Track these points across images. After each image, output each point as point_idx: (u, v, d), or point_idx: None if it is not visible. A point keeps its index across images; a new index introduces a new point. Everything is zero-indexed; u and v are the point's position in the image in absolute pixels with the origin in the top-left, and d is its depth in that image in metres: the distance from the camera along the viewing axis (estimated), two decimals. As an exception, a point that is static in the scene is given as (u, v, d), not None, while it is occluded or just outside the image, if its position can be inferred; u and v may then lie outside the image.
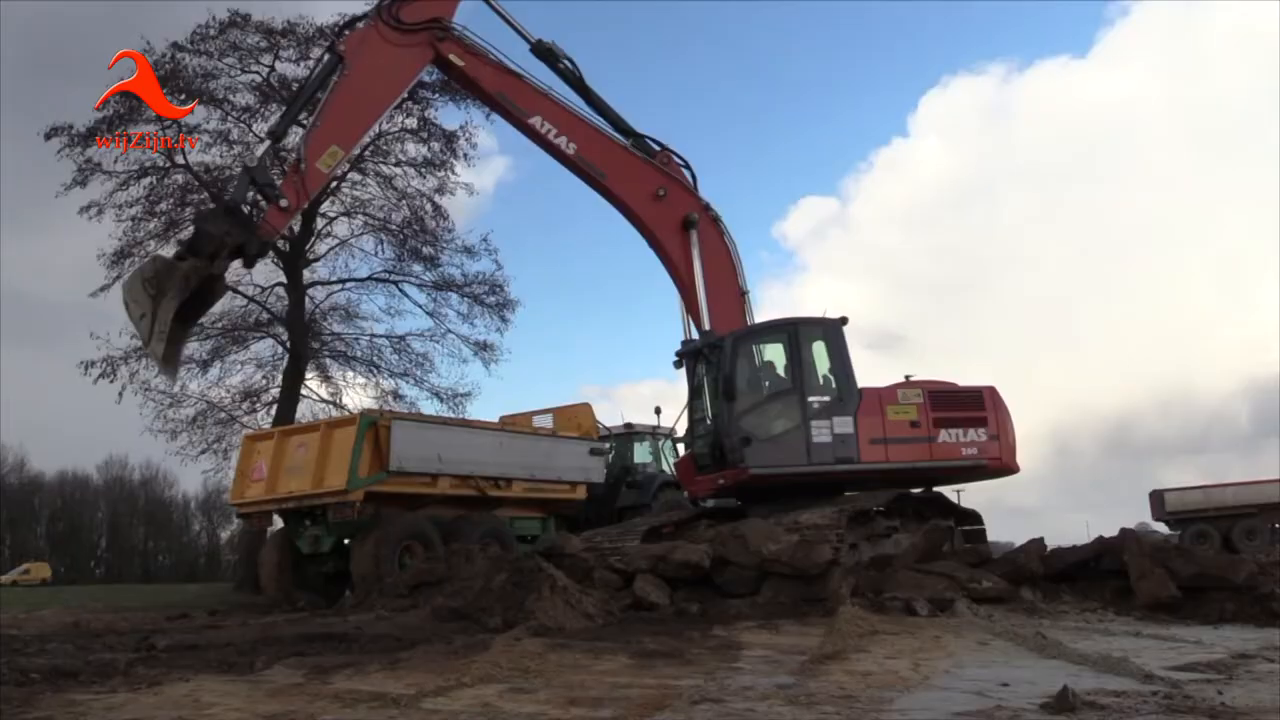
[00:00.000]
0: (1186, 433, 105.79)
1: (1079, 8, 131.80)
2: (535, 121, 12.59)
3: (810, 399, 12.25)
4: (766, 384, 12.63)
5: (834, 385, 12.42)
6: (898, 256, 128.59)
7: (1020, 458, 13.49)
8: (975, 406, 13.05)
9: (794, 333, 12.56)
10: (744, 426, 11.98)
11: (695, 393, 12.77)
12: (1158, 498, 34.15)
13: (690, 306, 12.73)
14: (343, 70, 11.15)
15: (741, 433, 11.95)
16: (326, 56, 11.50)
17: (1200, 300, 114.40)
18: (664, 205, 12.61)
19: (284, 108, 23.19)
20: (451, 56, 12.27)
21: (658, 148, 13.10)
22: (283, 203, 10.95)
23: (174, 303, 10.11)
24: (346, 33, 11.68)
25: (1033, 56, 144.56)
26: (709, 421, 12.74)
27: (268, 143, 10.82)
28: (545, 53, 12.77)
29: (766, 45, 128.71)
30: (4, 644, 8.05)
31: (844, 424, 12.17)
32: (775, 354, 12.64)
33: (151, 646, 7.55)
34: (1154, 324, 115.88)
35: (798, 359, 12.39)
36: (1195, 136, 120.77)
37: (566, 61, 12.87)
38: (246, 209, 11.24)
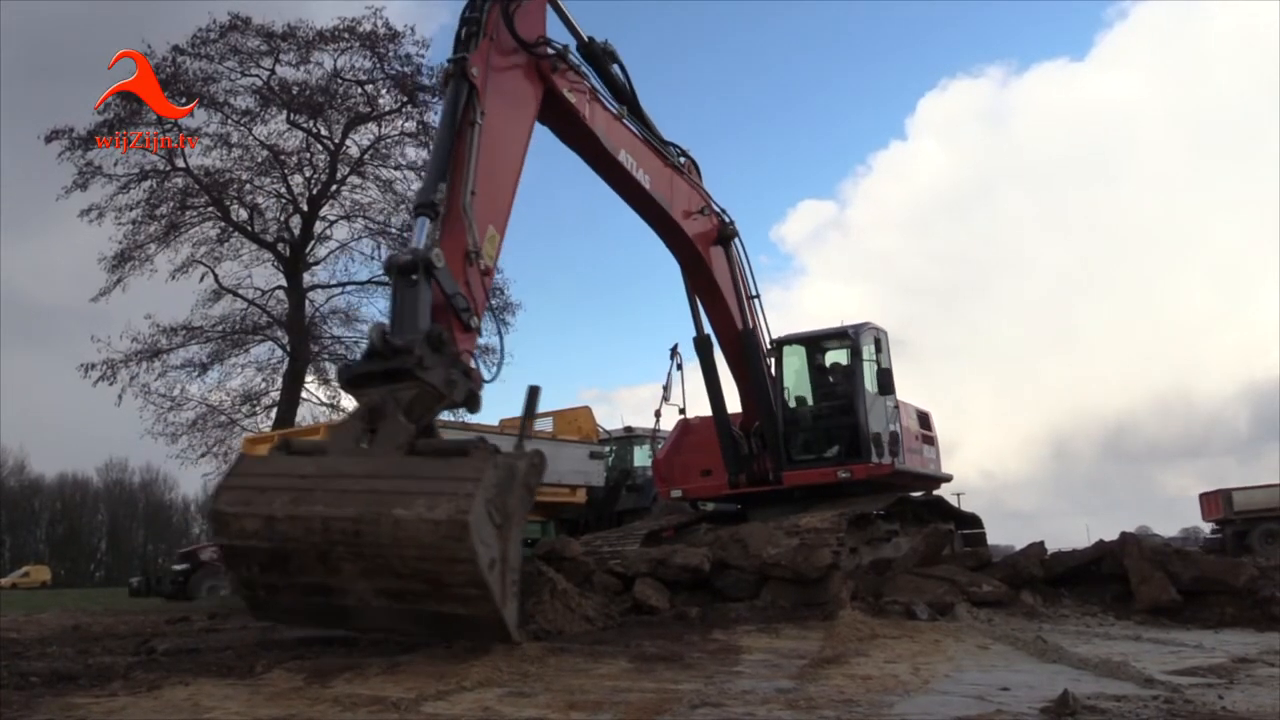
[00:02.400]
0: (1186, 436, 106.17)
1: (1077, 10, 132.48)
2: (623, 157, 10.46)
3: (887, 402, 12.88)
4: (862, 385, 12.88)
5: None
6: (896, 259, 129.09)
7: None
8: (929, 426, 14.71)
9: (878, 337, 13.08)
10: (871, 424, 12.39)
11: (765, 386, 12.70)
12: (1222, 497, 34.13)
13: (722, 315, 12.53)
14: (479, 109, 7.94)
15: (874, 429, 12.31)
16: (453, 84, 8.07)
17: (1199, 303, 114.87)
18: (703, 222, 12.14)
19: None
20: (565, 92, 9.43)
21: (675, 151, 11.98)
22: (473, 322, 7.56)
23: (522, 531, 6.40)
24: (466, 53, 8.23)
25: (1031, 59, 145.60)
26: (812, 414, 13.10)
27: (424, 220, 7.30)
28: (601, 54, 10.33)
29: (764, 49, 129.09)
30: (4, 647, 8.05)
31: (899, 429, 12.98)
32: (867, 356, 12.97)
33: (151, 650, 7.55)
34: (1153, 327, 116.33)
35: (879, 362, 12.88)
36: (1194, 138, 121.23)
37: (619, 67, 10.60)
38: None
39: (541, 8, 9.41)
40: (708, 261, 12.17)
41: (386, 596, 5.97)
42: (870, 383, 12.60)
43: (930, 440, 14.51)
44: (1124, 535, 10.49)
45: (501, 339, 7.67)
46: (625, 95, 10.69)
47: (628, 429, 20.90)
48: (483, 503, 5.77)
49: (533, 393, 8.42)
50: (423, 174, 25.45)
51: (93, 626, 11.02)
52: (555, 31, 9.62)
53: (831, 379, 13.28)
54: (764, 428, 12.58)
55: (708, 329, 12.83)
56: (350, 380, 6.85)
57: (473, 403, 7.13)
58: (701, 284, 12.50)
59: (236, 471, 6.72)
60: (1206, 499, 36.08)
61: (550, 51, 9.19)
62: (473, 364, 7.31)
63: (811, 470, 12.35)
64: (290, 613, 6.70)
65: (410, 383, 6.49)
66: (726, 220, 12.51)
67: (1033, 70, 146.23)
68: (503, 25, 8.65)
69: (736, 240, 12.63)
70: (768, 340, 13.01)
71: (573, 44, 9.93)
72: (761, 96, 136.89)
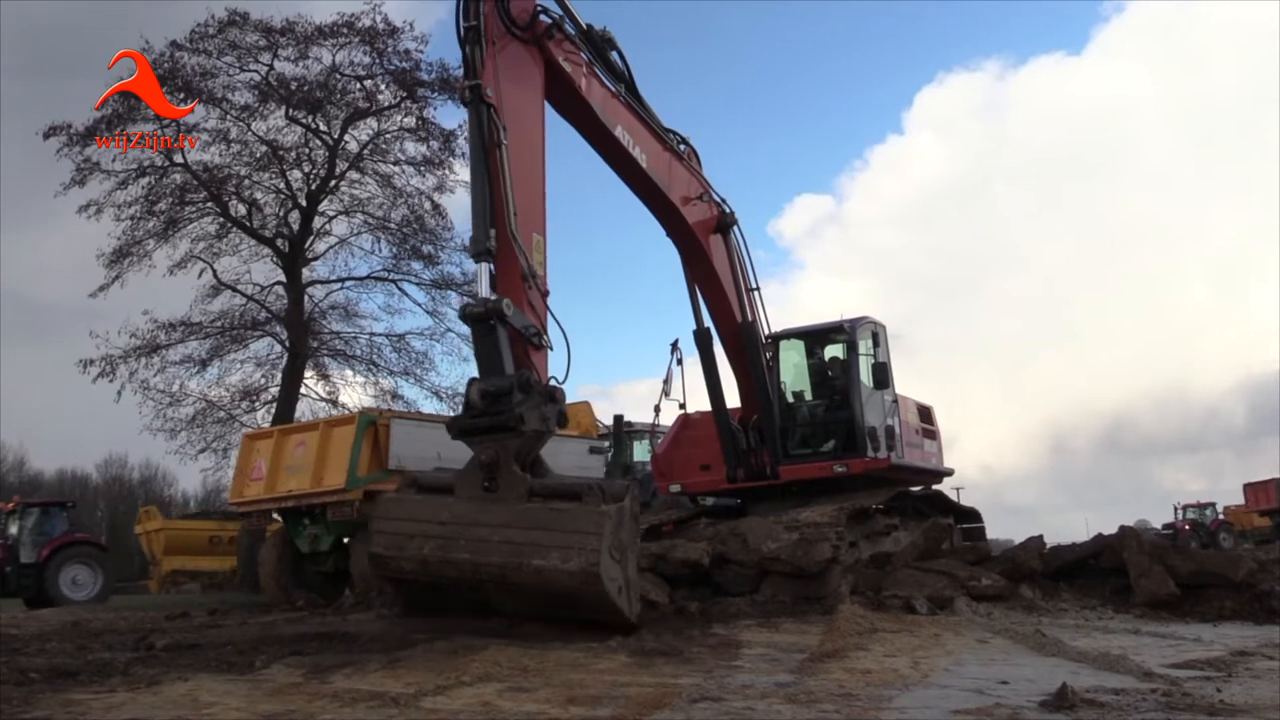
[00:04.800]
0: (1183, 431, 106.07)
1: (1074, 4, 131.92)
2: (619, 133, 10.49)
3: (885, 397, 12.82)
4: (862, 379, 12.82)
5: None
6: (893, 254, 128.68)
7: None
8: (931, 420, 14.61)
9: (875, 331, 13.09)
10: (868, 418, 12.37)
11: (764, 380, 12.58)
12: (1276, 486, 34.56)
13: (722, 307, 12.46)
14: (499, 125, 8.36)
15: (870, 424, 12.27)
16: (472, 111, 8.48)
17: (1197, 297, 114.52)
18: (702, 210, 12.04)
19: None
20: (560, 60, 9.53)
21: (675, 137, 11.90)
22: (544, 341, 8.38)
23: (637, 554, 8.02)
24: (479, 79, 8.49)
25: (1028, 53, 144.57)
26: (809, 408, 13.09)
27: (484, 266, 8.09)
28: (600, 41, 10.36)
29: (760, 42, 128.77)
30: (4, 643, 8.06)
31: (897, 423, 12.92)
32: (864, 350, 12.95)
33: (150, 646, 7.55)
34: (1150, 322, 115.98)
35: (877, 356, 12.87)
36: (1191, 133, 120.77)
37: (618, 54, 10.67)
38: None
39: None
40: (707, 250, 12.10)
41: (532, 607, 7.46)
42: (866, 377, 12.59)
43: (932, 434, 14.46)
44: (1123, 529, 10.50)
45: (566, 339, 8.59)
46: (625, 80, 10.80)
47: (628, 424, 20.88)
48: (606, 550, 7.03)
49: (618, 421, 9.70)
50: (420, 168, 25.50)
51: (92, 622, 11.02)
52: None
53: (828, 374, 13.27)
54: (761, 422, 12.57)
55: (708, 322, 12.80)
56: (460, 433, 7.89)
57: (563, 420, 8.27)
58: (701, 273, 12.43)
59: (383, 515, 8.00)
60: (1254, 489, 36.20)
61: (546, 20, 9.35)
62: (550, 380, 8.35)
63: (808, 464, 12.35)
64: (448, 613, 7.88)
65: (514, 433, 7.58)
66: (726, 209, 12.46)
67: (1029, 64, 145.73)
68: (501, 25, 8.80)
69: (736, 231, 12.55)
70: (768, 333, 12.97)
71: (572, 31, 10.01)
72: (756, 91, 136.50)
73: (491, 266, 8.15)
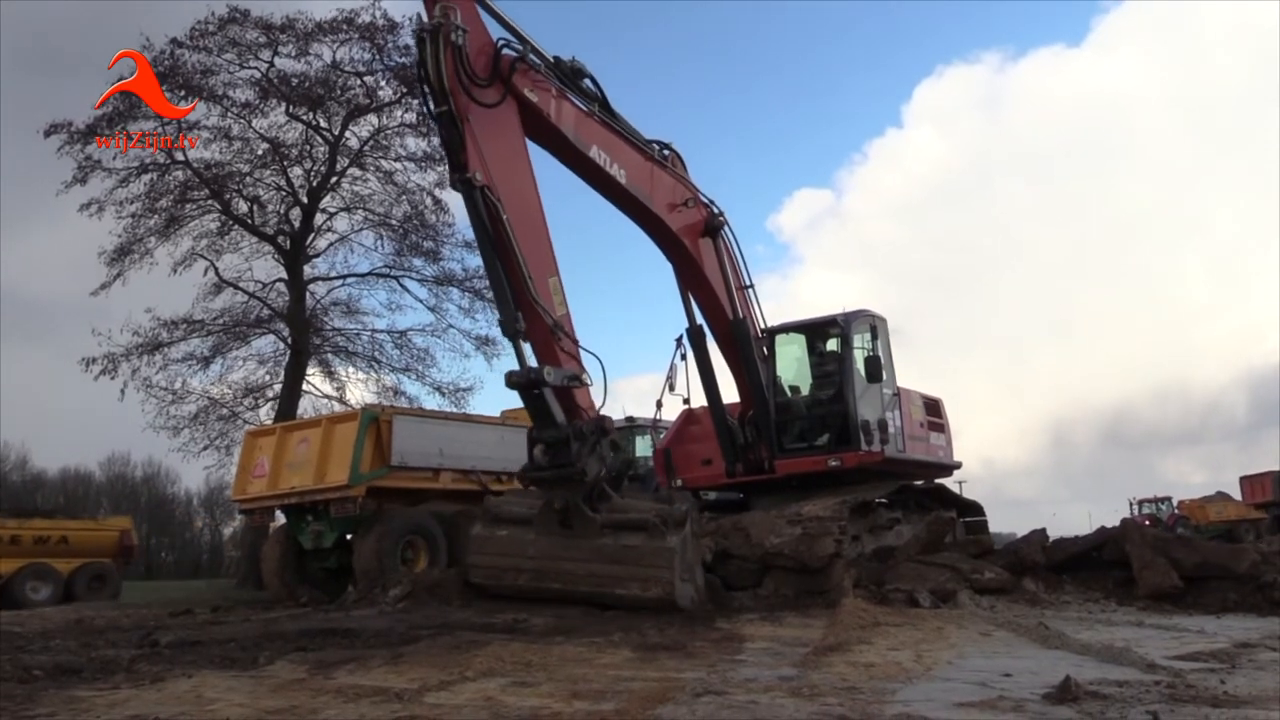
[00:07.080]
0: (1184, 423, 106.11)
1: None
2: (594, 154, 10.57)
3: (885, 390, 12.80)
4: (856, 372, 12.77)
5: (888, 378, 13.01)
6: (893, 248, 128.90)
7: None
8: (939, 414, 14.59)
9: (873, 325, 13.08)
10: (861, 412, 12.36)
11: (757, 375, 12.57)
12: (1273, 479, 34.72)
13: (714, 307, 12.41)
14: (496, 198, 8.89)
15: (864, 417, 12.26)
16: (466, 200, 9.04)
17: (1197, 290, 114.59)
18: (689, 215, 12.00)
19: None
20: (526, 92, 9.67)
21: (657, 147, 11.88)
22: (585, 379, 9.38)
23: (700, 562, 9.16)
24: (466, 171, 8.88)
25: (1027, 45, 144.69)
26: (804, 402, 13.08)
27: (521, 342, 9.07)
28: (570, 71, 10.53)
29: (758, 37, 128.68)
30: (7, 641, 8.06)
31: (897, 417, 12.91)
32: (859, 344, 12.96)
33: (154, 643, 7.55)
34: (1150, 314, 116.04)
35: (875, 350, 12.87)
36: (1190, 125, 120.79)
37: (589, 79, 10.82)
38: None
39: (475, 18, 9.47)
40: (695, 254, 12.06)
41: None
42: (860, 370, 12.54)
43: (939, 427, 14.35)
44: (1125, 522, 10.50)
45: (603, 367, 9.78)
46: (599, 100, 10.89)
47: (629, 420, 20.88)
48: (678, 576, 8.39)
49: (663, 455, 12.67)
50: (421, 164, 25.48)
51: (95, 620, 11.02)
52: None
53: (824, 368, 13.21)
54: (756, 417, 12.56)
55: (700, 320, 12.79)
56: (532, 483, 9.34)
57: (616, 449, 9.42)
58: (691, 277, 12.39)
59: (477, 551, 9.48)
60: (1250, 481, 36.04)
61: (511, 54, 9.56)
62: (595, 402, 9.52)
63: (802, 458, 12.32)
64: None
65: (580, 480, 8.76)
66: (715, 211, 12.39)
67: (1029, 56, 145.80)
68: (468, 97, 8.98)
69: (727, 231, 12.50)
70: (761, 329, 12.94)
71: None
72: (756, 86, 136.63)
73: (523, 334, 9.05)
